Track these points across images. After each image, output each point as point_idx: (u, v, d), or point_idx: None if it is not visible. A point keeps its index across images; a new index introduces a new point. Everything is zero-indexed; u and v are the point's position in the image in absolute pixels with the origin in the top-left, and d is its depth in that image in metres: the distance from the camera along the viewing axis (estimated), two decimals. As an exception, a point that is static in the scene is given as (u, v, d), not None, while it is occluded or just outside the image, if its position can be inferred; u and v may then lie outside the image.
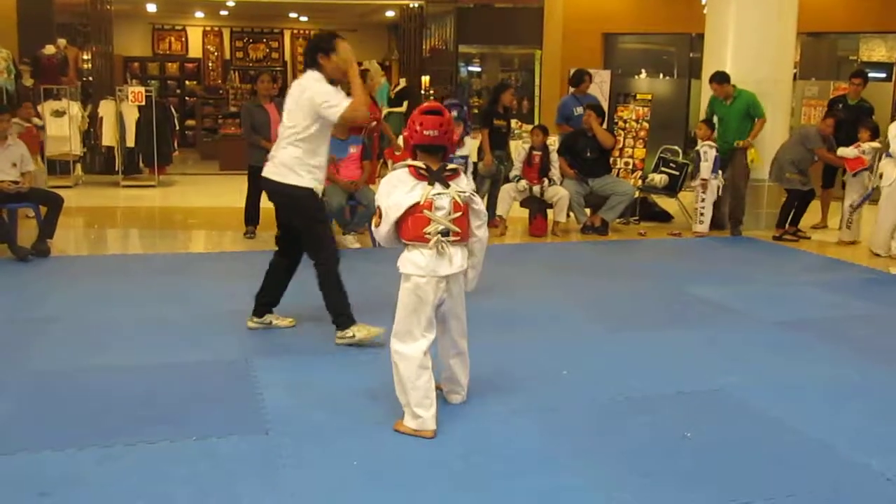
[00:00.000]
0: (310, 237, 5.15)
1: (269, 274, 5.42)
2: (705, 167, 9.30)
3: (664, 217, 10.49)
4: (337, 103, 4.81)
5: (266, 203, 8.60)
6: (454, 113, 4.80)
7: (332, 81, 4.95)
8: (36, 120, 11.07)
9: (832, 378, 4.83)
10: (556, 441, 3.80)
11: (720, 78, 9.47)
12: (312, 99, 4.86)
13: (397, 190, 3.79)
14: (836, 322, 6.06)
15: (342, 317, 5.09)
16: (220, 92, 18.26)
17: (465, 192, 3.83)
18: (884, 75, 13.54)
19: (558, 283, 6.95)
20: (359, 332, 5.04)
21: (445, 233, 3.74)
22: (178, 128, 15.21)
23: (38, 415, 4.01)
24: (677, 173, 10.32)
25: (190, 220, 9.83)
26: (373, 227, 3.99)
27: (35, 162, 8.47)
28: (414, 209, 3.74)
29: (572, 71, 10.80)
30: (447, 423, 3.90)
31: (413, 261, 3.81)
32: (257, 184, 8.58)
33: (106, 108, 12.37)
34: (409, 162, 3.84)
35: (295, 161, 4.97)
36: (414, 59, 17.09)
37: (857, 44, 13.99)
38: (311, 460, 3.57)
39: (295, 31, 20.19)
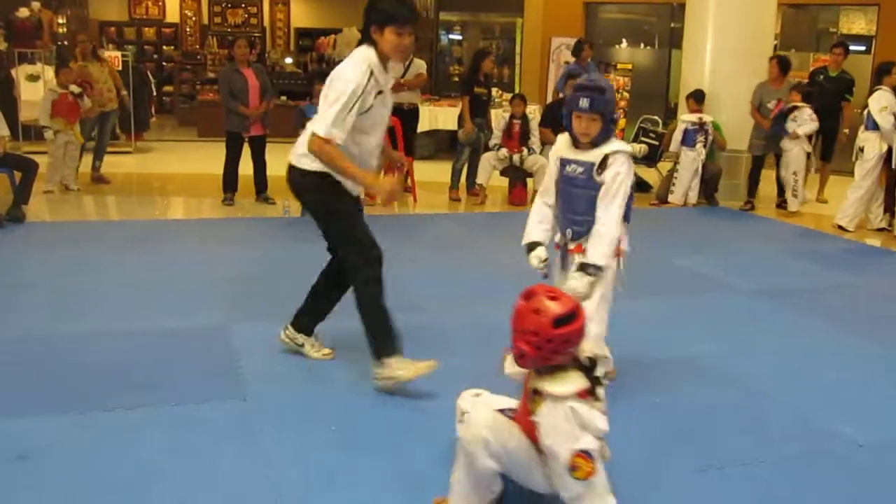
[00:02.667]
0: (334, 235, 4.11)
1: (310, 292, 4.46)
2: (676, 141, 9.43)
3: (643, 187, 10.51)
4: (323, 119, 3.68)
5: (244, 170, 8.60)
6: (583, 103, 3.61)
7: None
8: None
9: (807, 346, 4.89)
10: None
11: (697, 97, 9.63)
12: (328, 85, 3.77)
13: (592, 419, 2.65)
14: (811, 291, 6.12)
15: (381, 346, 3.94)
16: (198, 57, 18.02)
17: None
18: (863, 48, 13.58)
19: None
20: (400, 370, 3.88)
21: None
22: (155, 93, 15.08)
23: (14, 381, 3.98)
24: (657, 143, 10.34)
25: (168, 187, 9.76)
26: (580, 479, 2.62)
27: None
28: None
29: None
30: (427, 385, 3.90)
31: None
32: (236, 150, 8.61)
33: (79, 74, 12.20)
34: (576, 388, 2.63)
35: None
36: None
37: (837, 16, 14.02)
38: (289, 426, 3.58)
39: (274, -3, 19.95)
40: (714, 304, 5.70)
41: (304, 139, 3.82)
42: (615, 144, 3.75)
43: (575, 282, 3.67)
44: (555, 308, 2.61)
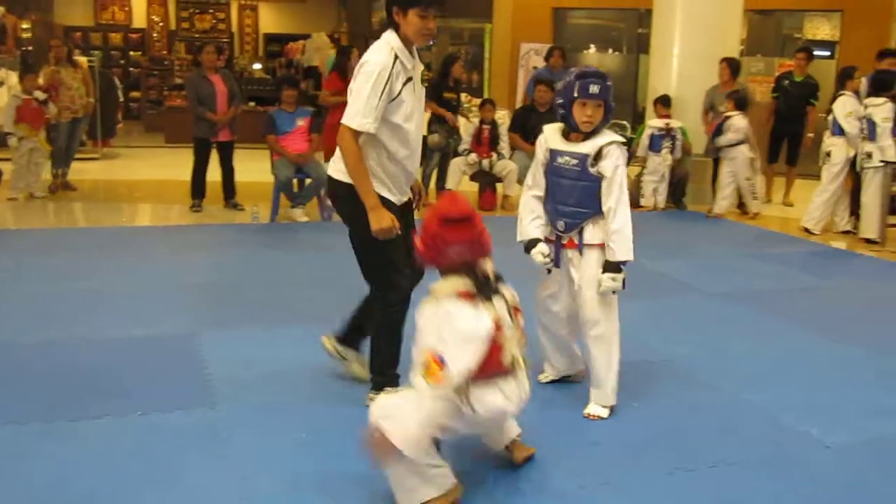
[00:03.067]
0: (361, 257, 3.73)
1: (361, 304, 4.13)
2: (641, 145, 9.50)
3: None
4: (352, 107, 3.49)
5: (213, 176, 8.54)
6: (594, 88, 3.59)
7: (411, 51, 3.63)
8: None
9: (775, 348, 4.93)
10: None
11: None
12: (354, 77, 3.58)
13: (460, 321, 2.68)
14: (779, 293, 6.18)
15: (380, 378, 3.76)
16: (166, 63, 17.92)
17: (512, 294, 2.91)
18: (828, 53, 13.76)
19: (507, 256, 6.95)
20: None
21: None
22: (122, 99, 14.94)
23: (-23, 390, 3.92)
24: (626, 147, 10.41)
25: (135, 194, 9.67)
26: (428, 383, 2.65)
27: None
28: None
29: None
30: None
31: (496, 403, 2.83)
32: (204, 156, 8.55)
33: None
34: (453, 288, 2.74)
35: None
36: (363, 31, 16.92)
37: (801, 21, 14.21)
38: (258, 433, 3.55)
39: (242, 2, 19.86)
40: (684, 307, 5.73)
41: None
42: (609, 136, 3.73)
43: (610, 282, 3.71)
44: (447, 208, 2.79)
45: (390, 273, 3.64)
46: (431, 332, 2.67)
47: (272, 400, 3.90)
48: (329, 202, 8.31)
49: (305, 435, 3.54)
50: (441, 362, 2.60)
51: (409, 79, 3.58)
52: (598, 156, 3.66)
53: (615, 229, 3.71)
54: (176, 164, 10.12)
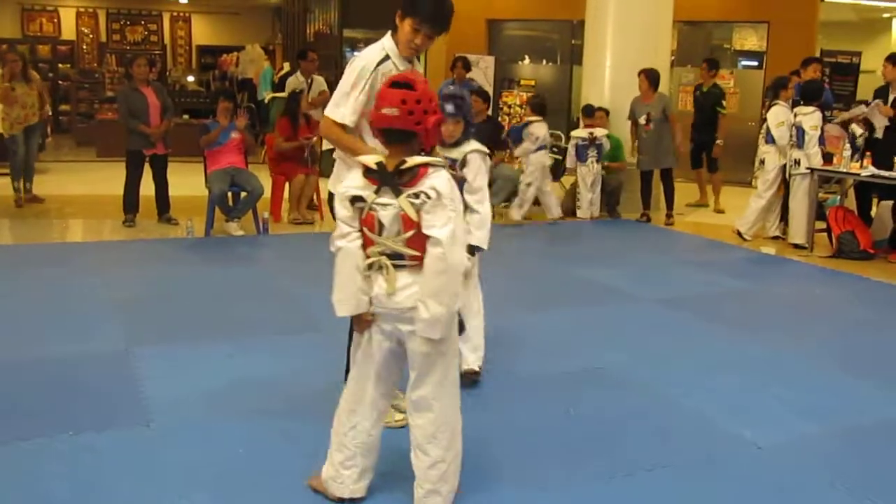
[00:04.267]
0: None
1: None
2: (569, 157, 9.65)
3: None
4: (333, 100, 3.62)
5: (146, 190, 8.40)
6: (449, 108, 3.87)
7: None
8: None
9: (708, 353, 5.03)
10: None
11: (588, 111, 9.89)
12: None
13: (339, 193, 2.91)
14: (711, 299, 6.31)
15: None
16: (96, 76, 17.60)
17: (418, 199, 2.75)
18: (756, 63, 14.09)
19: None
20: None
21: (397, 257, 2.83)
22: (51, 113, 14.61)
23: None
24: (560, 157, 10.52)
25: (66, 209, 9.45)
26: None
27: None
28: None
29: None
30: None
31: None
32: (137, 169, 8.41)
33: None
34: (361, 158, 2.90)
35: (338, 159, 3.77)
36: (298, 43, 16.82)
37: (730, 33, 14.52)
38: (194, 451, 3.50)
39: (174, 14, 19.64)
40: (618, 315, 5.81)
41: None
42: (474, 144, 4.09)
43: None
44: (397, 76, 3.03)
45: None
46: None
47: (208, 416, 3.86)
48: (265, 216, 8.27)
49: (243, 450, 3.51)
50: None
51: None
52: (464, 161, 4.04)
53: (478, 220, 3.98)
54: (108, 179, 9.93)
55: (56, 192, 10.21)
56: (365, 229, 2.83)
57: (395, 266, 2.82)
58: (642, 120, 9.36)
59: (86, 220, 8.97)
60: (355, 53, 3.75)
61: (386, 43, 3.67)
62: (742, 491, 3.32)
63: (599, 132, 9.62)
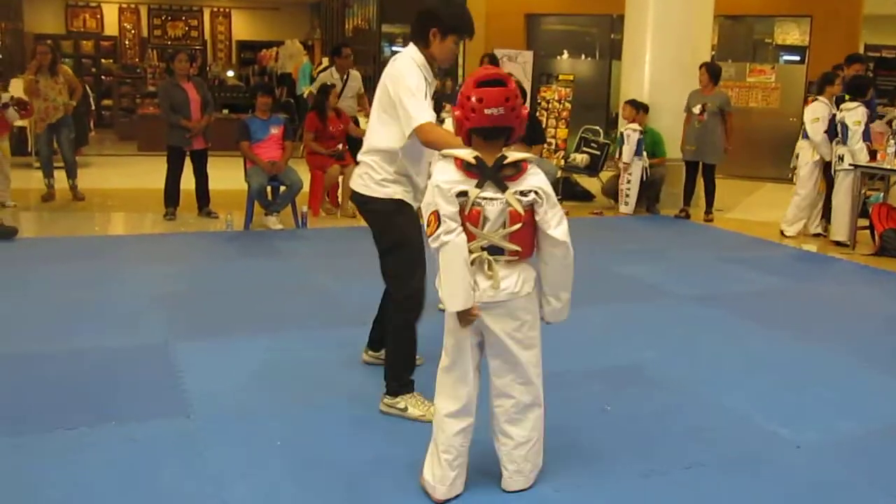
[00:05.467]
0: (388, 261, 3.88)
1: (381, 306, 4.35)
2: (627, 150, 9.48)
3: (586, 196, 10.64)
4: (412, 111, 3.58)
5: (186, 184, 8.50)
6: None
7: (437, 70, 3.89)
8: None
9: (746, 351, 4.98)
10: (477, 415, 3.83)
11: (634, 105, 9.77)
12: (390, 90, 3.69)
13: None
14: (749, 296, 6.25)
15: (396, 383, 3.87)
16: (138, 71, 17.81)
17: (527, 196, 2.87)
18: (797, 58, 13.92)
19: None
20: (413, 406, 3.84)
21: (495, 250, 2.92)
22: (94, 108, 14.84)
23: (-52, 403, 3.89)
24: (599, 153, 10.48)
25: (108, 203, 9.59)
26: (427, 237, 2.95)
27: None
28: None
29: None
30: (377, 401, 3.90)
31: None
32: (177, 164, 8.51)
33: (16, 87, 11.95)
34: (455, 152, 2.91)
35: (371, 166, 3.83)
36: (337, 39, 16.91)
37: (772, 27, 14.35)
38: (233, 442, 3.54)
39: (214, 9, 19.80)
40: (655, 312, 5.78)
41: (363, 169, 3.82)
42: None
43: None
44: (481, 73, 2.94)
45: (410, 276, 3.79)
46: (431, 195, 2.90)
47: (247, 408, 3.90)
48: (304, 210, 8.32)
49: (280, 442, 3.54)
50: (437, 217, 2.83)
51: (426, 94, 3.74)
52: None
53: None
54: (149, 173, 10.07)
55: (98, 185, 10.37)
56: (468, 224, 2.86)
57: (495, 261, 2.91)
58: (696, 109, 9.28)
59: (127, 214, 9.10)
60: (393, 49, 3.82)
61: (417, 59, 3.74)
62: (780, 490, 3.29)
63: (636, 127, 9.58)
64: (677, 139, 9.63)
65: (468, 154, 2.87)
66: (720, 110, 9.27)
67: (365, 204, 3.85)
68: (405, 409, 3.82)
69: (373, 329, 4.45)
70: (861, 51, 12.45)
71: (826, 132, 8.32)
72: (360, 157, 3.86)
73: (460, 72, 16.37)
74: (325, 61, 16.50)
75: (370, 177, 3.78)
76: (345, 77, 9.85)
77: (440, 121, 4.43)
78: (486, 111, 2.83)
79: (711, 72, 9.39)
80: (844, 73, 9.06)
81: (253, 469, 3.31)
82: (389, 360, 3.92)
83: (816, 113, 8.42)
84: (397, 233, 3.78)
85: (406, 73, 3.65)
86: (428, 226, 2.87)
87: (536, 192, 2.87)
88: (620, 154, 9.62)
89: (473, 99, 2.84)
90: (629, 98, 9.94)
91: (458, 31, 3.76)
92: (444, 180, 2.87)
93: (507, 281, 2.92)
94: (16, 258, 6.79)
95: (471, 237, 2.87)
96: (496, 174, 2.85)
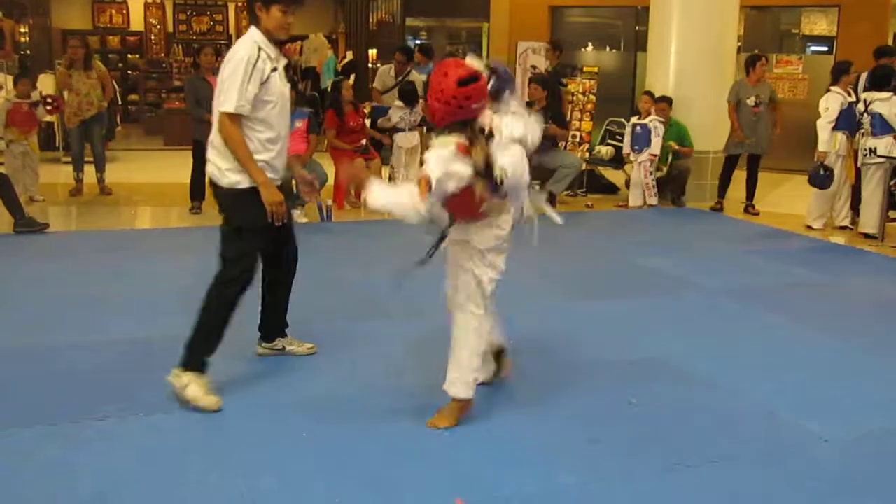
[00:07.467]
0: (230, 241, 4.13)
1: (263, 303, 4.47)
2: (656, 142, 9.39)
3: (611, 189, 10.59)
4: (226, 95, 3.74)
5: (212, 178, 8.54)
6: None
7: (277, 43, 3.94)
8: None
9: (774, 344, 4.94)
10: (505, 409, 3.84)
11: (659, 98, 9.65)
12: (222, 69, 3.85)
13: (454, 164, 3.30)
14: (777, 289, 6.19)
15: (190, 355, 3.88)
16: (164, 66, 17.91)
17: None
18: (825, 49, 13.76)
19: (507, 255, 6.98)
20: (194, 386, 3.79)
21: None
22: (120, 102, 14.93)
23: (-20, 394, 3.94)
24: (621, 145, 10.41)
25: (135, 197, 9.67)
26: (409, 200, 3.32)
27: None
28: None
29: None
30: (401, 393, 3.91)
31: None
32: (203, 158, 8.52)
33: (44, 83, 12.07)
34: (456, 139, 3.33)
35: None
36: (361, 32, 16.93)
37: (799, 17, 14.19)
38: (258, 433, 3.57)
39: (239, 4, 19.82)
40: (683, 304, 5.74)
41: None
42: None
43: None
44: (458, 72, 3.29)
45: (248, 256, 4.02)
46: (435, 165, 3.26)
47: (273, 399, 3.92)
48: (329, 203, 8.34)
49: (306, 434, 3.56)
50: (428, 183, 3.22)
51: (275, 69, 3.86)
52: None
53: None
54: (175, 167, 10.13)
55: (124, 179, 10.44)
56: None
57: None
58: (751, 101, 9.20)
59: (153, 208, 9.16)
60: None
61: (257, 37, 3.85)
62: (807, 483, 3.27)
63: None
64: (701, 130, 9.55)
65: (461, 138, 3.31)
66: (770, 100, 9.22)
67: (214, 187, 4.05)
68: (186, 386, 3.78)
69: (261, 321, 4.48)
70: (890, 41, 12.28)
71: (835, 122, 8.23)
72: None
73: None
74: (350, 55, 16.54)
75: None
76: (399, 79, 10.06)
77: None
78: (474, 106, 3.31)
79: (753, 63, 9.33)
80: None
81: (279, 461, 3.33)
82: (194, 330, 3.93)
83: (826, 103, 8.33)
84: (243, 209, 3.94)
85: (233, 56, 3.77)
86: (419, 185, 3.26)
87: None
88: (635, 144, 9.54)
89: (461, 97, 3.26)
90: (654, 90, 9.86)
91: (280, 0, 3.83)
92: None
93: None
94: (45, 251, 6.86)
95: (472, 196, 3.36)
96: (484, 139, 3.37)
